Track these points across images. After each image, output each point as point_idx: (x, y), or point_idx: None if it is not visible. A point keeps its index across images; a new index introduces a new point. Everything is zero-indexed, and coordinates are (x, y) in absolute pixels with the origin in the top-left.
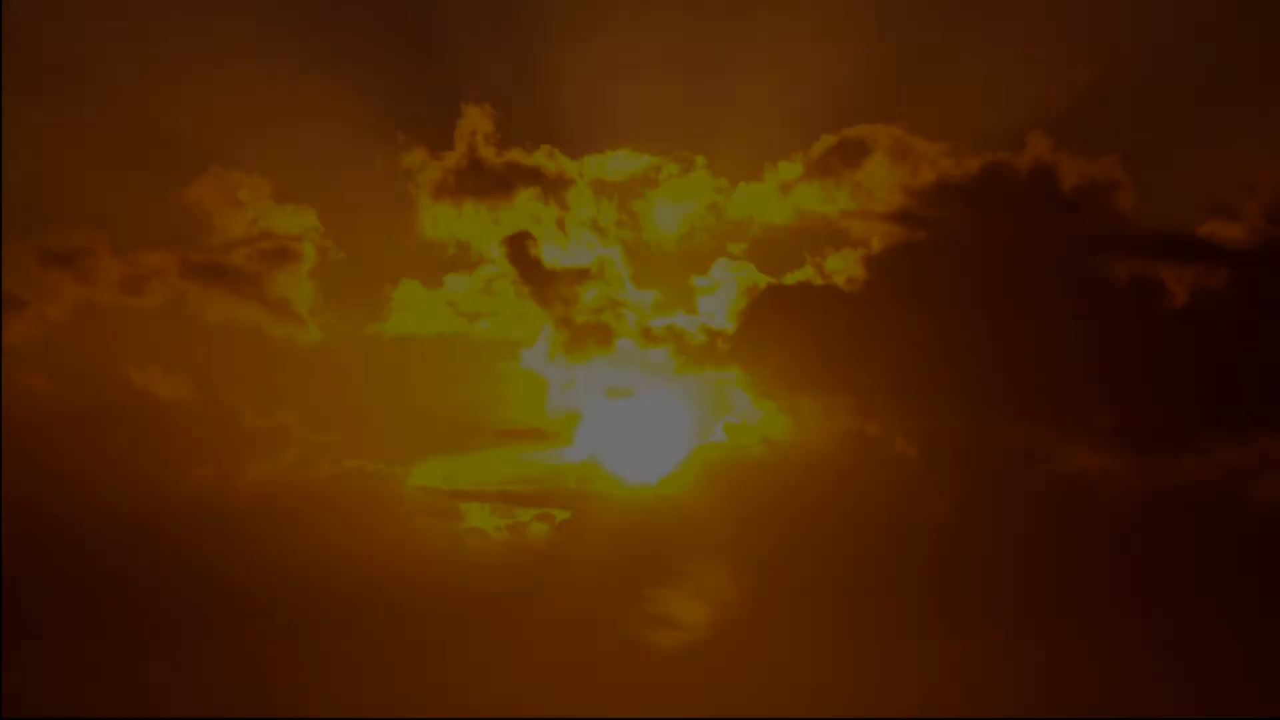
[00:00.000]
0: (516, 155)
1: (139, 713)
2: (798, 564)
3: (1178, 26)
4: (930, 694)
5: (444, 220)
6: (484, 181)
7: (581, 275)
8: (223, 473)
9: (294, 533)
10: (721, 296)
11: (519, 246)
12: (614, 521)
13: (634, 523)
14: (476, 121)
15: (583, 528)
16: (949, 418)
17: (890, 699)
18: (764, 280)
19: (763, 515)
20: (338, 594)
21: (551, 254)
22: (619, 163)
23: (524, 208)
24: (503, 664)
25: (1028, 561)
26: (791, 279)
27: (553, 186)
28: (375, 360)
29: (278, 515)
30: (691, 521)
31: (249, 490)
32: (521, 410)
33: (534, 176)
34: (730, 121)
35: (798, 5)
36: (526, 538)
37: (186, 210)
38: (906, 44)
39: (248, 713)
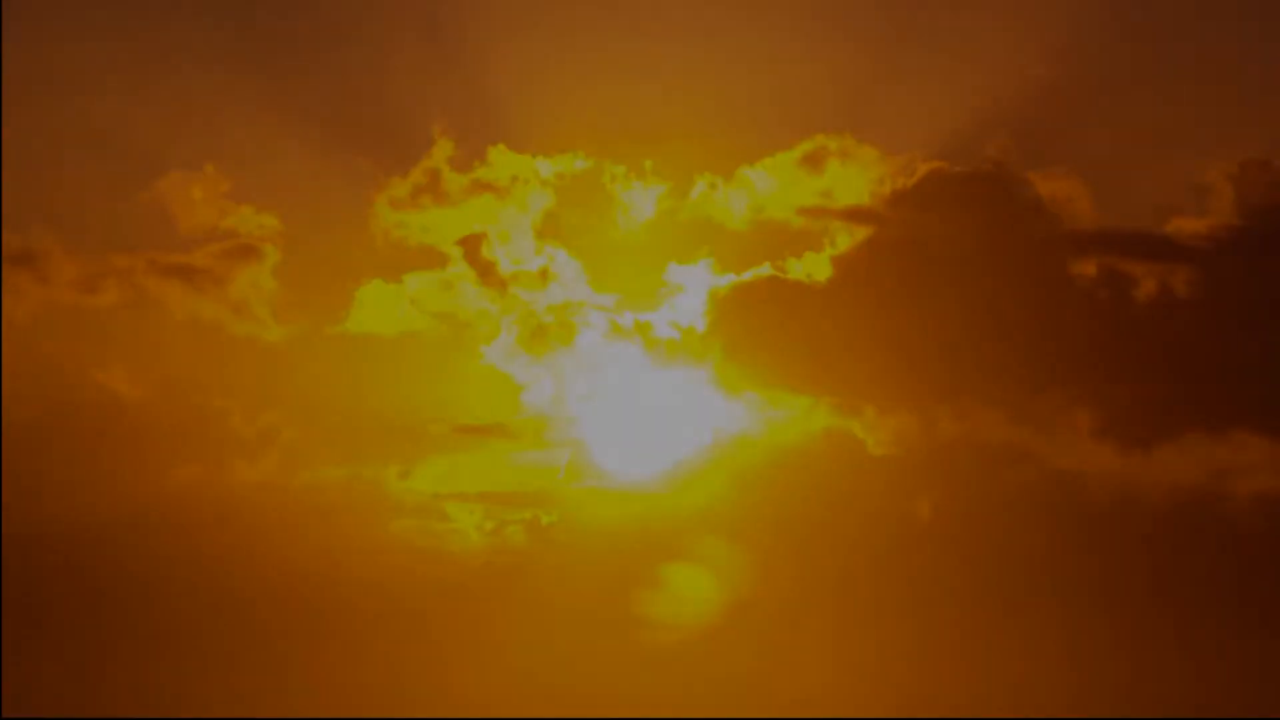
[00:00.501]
0: (478, 173)
1: (138, 713)
2: (784, 563)
3: (1148, 25)
4: (919, 692)
5: (402, 225)
6: (442, 196)
7: (541, 275)
8: (204, 472)
9: (280, 534)
10: (685, 297)
11: (474, 247)
12: (600, 523)
13: (620, 523)
14: (438, 147)
15: (569, 529)
16: (932, 416)
17: (879, 698)
18: (729, 280)
19: (750, 515)
20: (324, 596)
21: (509, 254)
22: (571, 164)
23: (481, 209)
24: (490, 665)
25: (1013, 560)
26: (756, 277)
27: (509, 188)
28: (342, 358)
29: (262, 516)
30: (679, 521)
31: (231, 489)
32: (500, 410)
33: (491, 184)
34: (687, 125)
35: (762, 10)
36: (513, 539)
37: (149, 211)
38: (869, 50)
39: (238, 713)
